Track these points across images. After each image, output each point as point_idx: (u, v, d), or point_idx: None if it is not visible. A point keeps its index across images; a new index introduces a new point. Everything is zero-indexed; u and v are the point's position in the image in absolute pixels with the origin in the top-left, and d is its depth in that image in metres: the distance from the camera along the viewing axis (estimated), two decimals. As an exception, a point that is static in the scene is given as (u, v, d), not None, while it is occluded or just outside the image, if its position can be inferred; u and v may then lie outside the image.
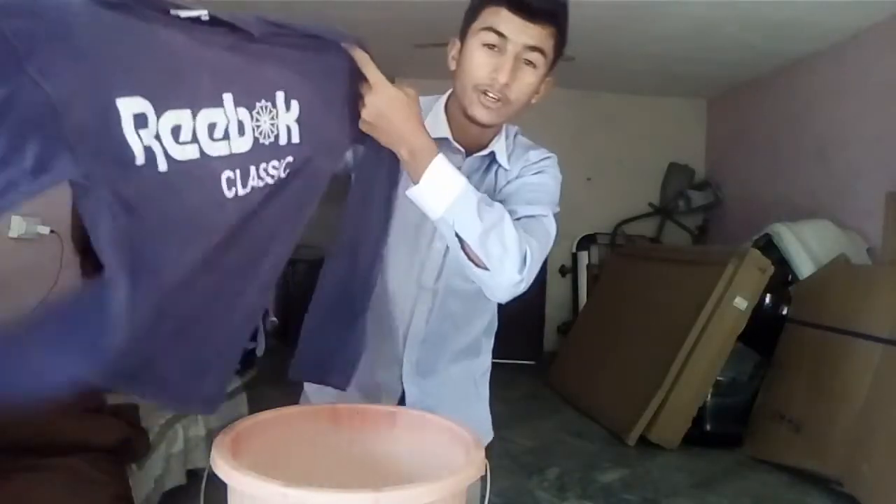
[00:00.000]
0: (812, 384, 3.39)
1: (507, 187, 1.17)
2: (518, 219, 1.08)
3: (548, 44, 1.04)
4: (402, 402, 1.22)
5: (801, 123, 4.98)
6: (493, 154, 1.16)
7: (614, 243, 6.20)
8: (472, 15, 1.06)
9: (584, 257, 6.18)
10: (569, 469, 3.33)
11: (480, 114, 1.06)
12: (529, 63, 1.04)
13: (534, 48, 1.03)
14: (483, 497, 0.84)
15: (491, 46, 1.02)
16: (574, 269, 6.26)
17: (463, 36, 1.08)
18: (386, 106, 0.99)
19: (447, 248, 1.13)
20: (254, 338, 4.01)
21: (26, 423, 1.87)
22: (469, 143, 1.14)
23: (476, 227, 0.98)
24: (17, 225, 2.84)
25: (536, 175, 1.18)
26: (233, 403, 3.11)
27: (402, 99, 1.00)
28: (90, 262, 3.42)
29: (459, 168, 1.08)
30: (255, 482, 0.69)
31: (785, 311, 3.93)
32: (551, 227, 1.17)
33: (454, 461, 0.84)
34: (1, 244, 2.79)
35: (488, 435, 1.32)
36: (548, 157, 1.21)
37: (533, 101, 1.09)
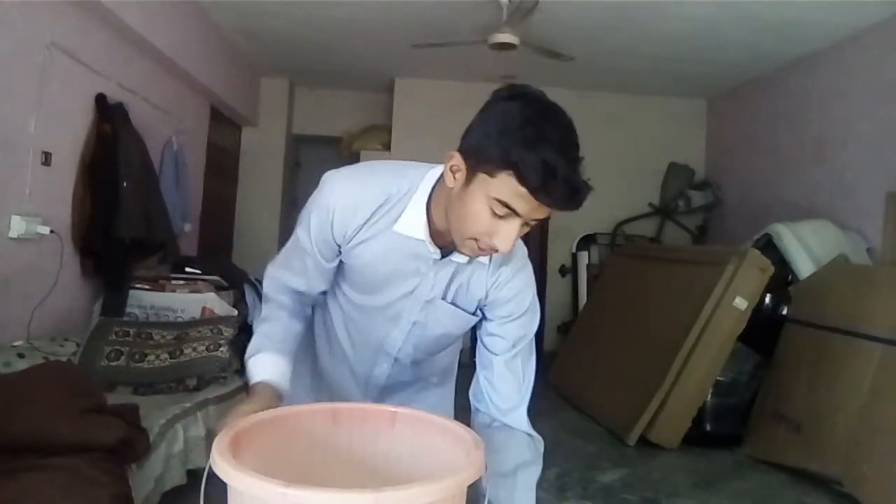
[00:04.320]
0: (812, 384, 3.39)
1: (496, 311, 1.14)
2: (516, 354, 1.15)
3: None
4: None
5: (801, 123, 4.98)
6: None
7: (614, 243, 6.20)
8: (489, 161, 0.91)
9: (584, 257, 6.18)
10: (569, 469, 3.33)
11: (471, 255, 1.03)
12: (528, 224, 0.96)
13: (540, 218, 0.96)
14: (483, 497, 0.84)
15: (500, 215, 0.93)
16: (574, 269, 6.26)
17: (471, 166, 0.94)
18: None
19: (413, 325, 1.16)
20: (254, 338, 4.01)
21: (26, 423, 1.87)
22: (442, 240, 1.07)
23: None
24: (17, 225, 2.83)
25: (523, 301, 1.15)
26: (233, 403, 3.11)
27: None
28: (90, 262, 3.42)
29: (426, 268, 1.09)
30: (255, 482, 0.69)
31: (785, 311, 3.93)
32: None
33: (454, 461, 0.84)
34: (1, 244, 2.79)
35: None
36: (523, 269, 1.15)
37: None
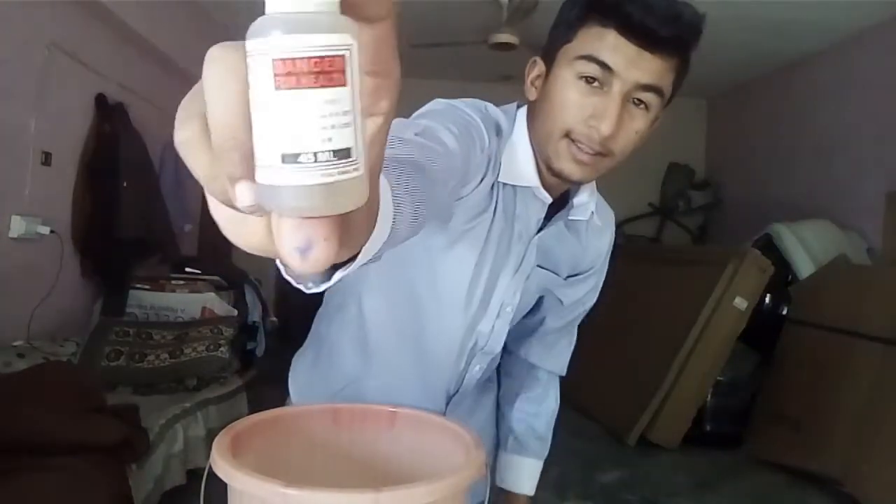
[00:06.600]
0: (812, 384, 3.39)
1: (580, 284, 1.07)
2: (571, 320, 1.14)
3: (667, 80, 0.79)
4: None
5: (801, 123, 4.98)
6: (576, 207, 0.92)
7: (614, 243, 6.19)
8: (565, 32, 0.78)
9: (584, 257, 6.18)
10: (569, 469, 3.33)
11: (571, 170, 0.80)
12: (640, 104, 0.78)
13: (649, 87, 0.76)
14: (483, 497, 0.84)
15: (590, 81, 0.76)
16: (574, 269, 6.26)
17: (550, 58, 0.80)
18: None
19: (501, 305, 0.97)
20: (253, 338, 4.01)
21: (26, 423, 1.87)
22: (548, 187, 0.87)
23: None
24: (17, 225, 2.83)
25: (600, 273, 1.09)
26: (233, 403, 3.12)
27: None
28: (90, 262, 3.42)
29: (541, 230, 0.89)
30: (255, 482, 0.69)
31: (785, 311, 3.93)
32: None
33: (454, 461, 0.84)
34: (1, 244, 2.79)
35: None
36: (610, 245, 1.07)
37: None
